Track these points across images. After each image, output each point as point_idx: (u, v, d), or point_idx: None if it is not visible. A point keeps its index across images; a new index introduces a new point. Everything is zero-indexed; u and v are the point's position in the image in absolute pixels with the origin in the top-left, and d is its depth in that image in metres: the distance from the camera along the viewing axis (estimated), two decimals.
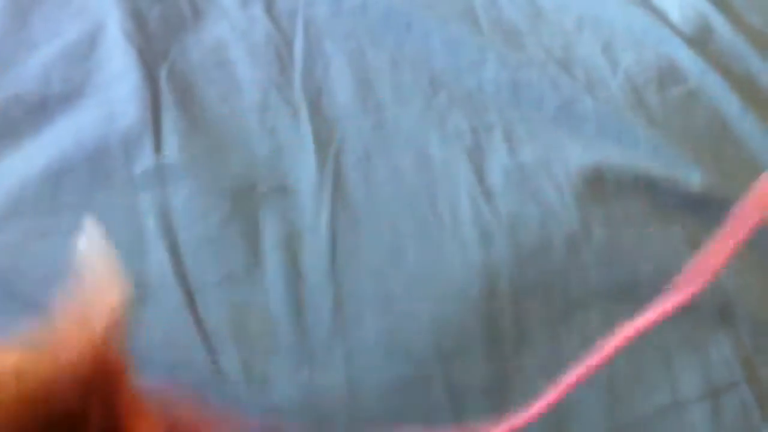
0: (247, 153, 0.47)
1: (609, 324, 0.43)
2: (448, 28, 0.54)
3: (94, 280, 0.26)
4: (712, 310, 0.44)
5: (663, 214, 0.47)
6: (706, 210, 0.46)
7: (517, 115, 0.50)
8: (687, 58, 0.55)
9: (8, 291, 0.43)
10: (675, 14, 0.58)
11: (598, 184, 0.47)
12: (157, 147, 0.46)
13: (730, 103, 0.52)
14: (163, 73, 0.50)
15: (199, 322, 0.42)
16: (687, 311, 0.44)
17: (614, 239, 0.45)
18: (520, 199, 0.46)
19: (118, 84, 0.49)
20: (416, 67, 0.53)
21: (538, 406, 0.30)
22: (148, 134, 0.47)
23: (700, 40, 0.57)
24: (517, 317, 0.43)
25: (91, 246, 0.27)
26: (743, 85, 0.54)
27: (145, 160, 0.46)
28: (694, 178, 0.48)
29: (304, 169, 0.47)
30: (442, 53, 0.54)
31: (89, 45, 0.50)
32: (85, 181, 0.46)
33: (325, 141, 0.48)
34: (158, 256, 0.43)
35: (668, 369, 0.42)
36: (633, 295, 0.44)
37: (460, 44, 0.54)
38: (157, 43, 0.51)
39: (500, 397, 0.40)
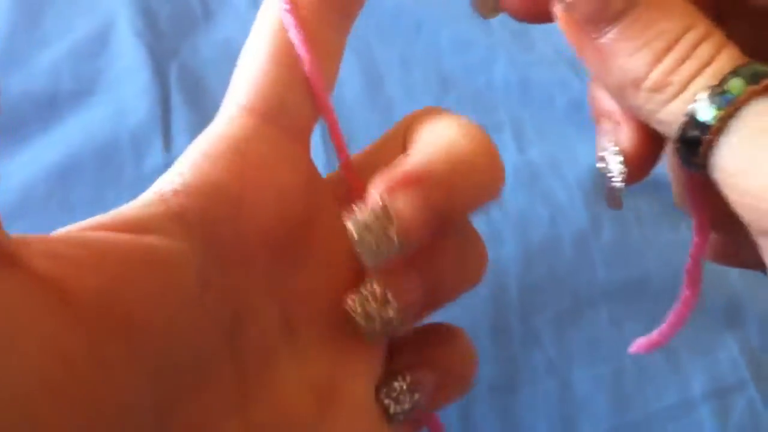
0: None
1: (617, 322, 0.43)
2: (458, 27, 0.54)
3: None
4: (719, 310, 0.44)
5: (672, 213, 0.47)
6: None
7: (526, 114, 0.50)
8: None
9: None
10: None
11: None
12: (167, 145, 0.47)
13: None
14: (173, 71, 0.50)
15: None
16: (694, 311, 0.44)
17: (623, 238, 0.45)
18: (530, 198, 0.46)
19: (128, 81, 0.49)
20: (426, 66, 0.53)
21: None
22: (158, 132, 0.47)
23: None
24: (526, 315, 0.43)
25: None
26: None
27: (154, 158, 0.46)
28: None
29: None
30: (452, 52, 0.54)
31: (99, 42, 0.50)
32: (95, 178, 0.46)
33: None
34: None
35: (676, 368, 0.42)
36: (642, 294, 0.44)
37: (469, 43, 0.54)
38: (168, 41, 0.51)
39: (508, 395, 0.41)
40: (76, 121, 0.48)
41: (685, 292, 0.29)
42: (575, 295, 0.44)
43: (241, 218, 0.25)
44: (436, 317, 0.30)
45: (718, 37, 0.23)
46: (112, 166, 0.46)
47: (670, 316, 0.30)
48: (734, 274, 0.45)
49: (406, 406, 0.28)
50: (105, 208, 0.43)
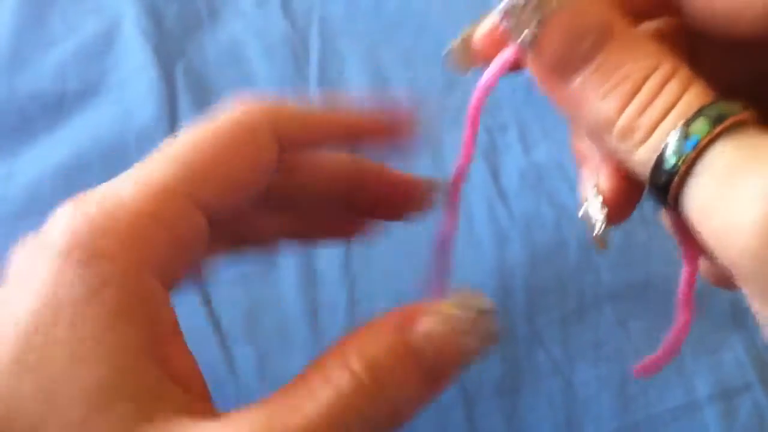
0: None
1: (622, 324, 0.43)
2: (463, 27, 0.54)
3: None
4: (724, 311, 0.44)
5: None
6: None
7: (531, 114, 0.50)
8: None
9: None
10: None
11: None
12: None
13: None
14: (179, 71, 0.50)
15: (214, 320, 0.42)
16: (699, 313, 0.44)
17: (628, 240, 0.45)
18: (535, 199, 0.46)
19: (134, 82, 0.49)
20: (431, 66, 0.53)
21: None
22: (164, 132, 0.47)
23: None
24: (531, 317, 0.43)
25: None
26: None
27: None
28: None
29: None
30: None
31: (105, 43, 0.51)
32: (101, 178, 0.45)
33: None
34: None
35: (680, 370, 0.42)
36: (646, 295, 0.44)
37: None
38: (174, 41, 0.51)
39: (513, 396, 0.41)
40: (83, 121, 0.48)
41: (680, 319, 0.29)
42: (580, 296, 0.44)
43: None
44: None
45: (684, 74, 0.23)
46: (119, 166, 0.46)
47: (665, 343, 0.30)
48: None
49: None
50: None
